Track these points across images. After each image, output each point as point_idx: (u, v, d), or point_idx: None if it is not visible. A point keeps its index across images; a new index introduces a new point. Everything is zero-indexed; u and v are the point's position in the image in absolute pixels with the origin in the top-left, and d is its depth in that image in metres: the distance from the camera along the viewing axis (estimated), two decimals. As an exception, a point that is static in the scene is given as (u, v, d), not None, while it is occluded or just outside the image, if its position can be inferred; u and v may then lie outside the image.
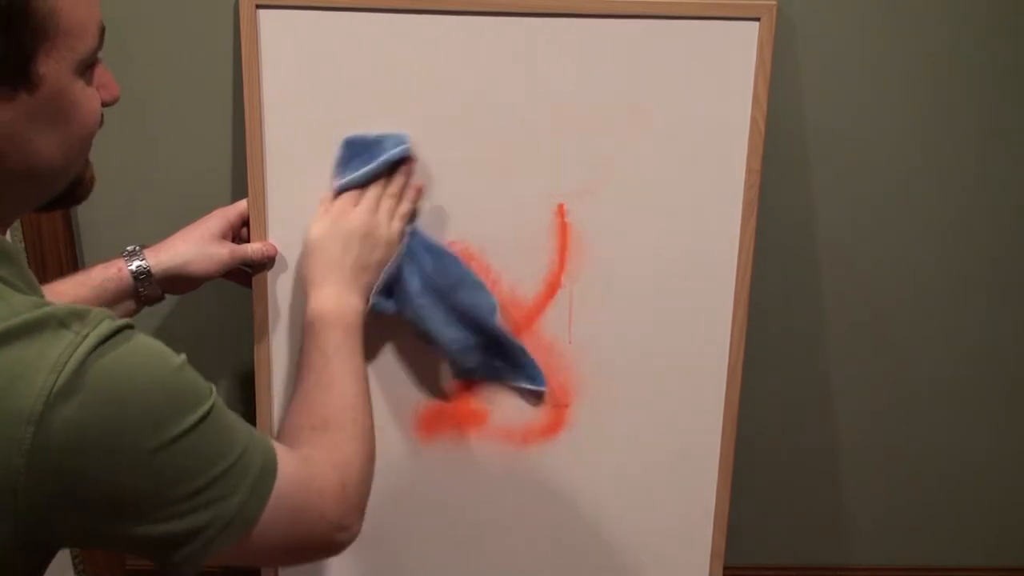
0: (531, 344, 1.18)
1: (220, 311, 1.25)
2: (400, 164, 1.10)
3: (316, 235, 1.06)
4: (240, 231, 1.13)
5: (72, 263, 1.24)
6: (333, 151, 1.11)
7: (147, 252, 1.05)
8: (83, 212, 1.22)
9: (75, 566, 1.39)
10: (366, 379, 0.98)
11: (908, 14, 1.16)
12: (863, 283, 1.28)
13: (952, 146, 1.22)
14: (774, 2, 1.08)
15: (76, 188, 0.78)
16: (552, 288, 1.16)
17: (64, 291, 1.00)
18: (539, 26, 1.09)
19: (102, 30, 0.73)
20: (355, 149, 1.10)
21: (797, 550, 1.43)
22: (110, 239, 1.23)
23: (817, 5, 1.15)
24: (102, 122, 0.76)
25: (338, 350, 0.97)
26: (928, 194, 1.24)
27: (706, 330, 1.18)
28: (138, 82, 1.17)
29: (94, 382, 0.67)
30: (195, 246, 1.06)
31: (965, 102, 1.20)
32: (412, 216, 1.12)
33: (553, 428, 1.21)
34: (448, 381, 1.19)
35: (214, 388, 0.76)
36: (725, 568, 1.26)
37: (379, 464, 1.20)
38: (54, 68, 0.68)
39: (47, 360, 0.66)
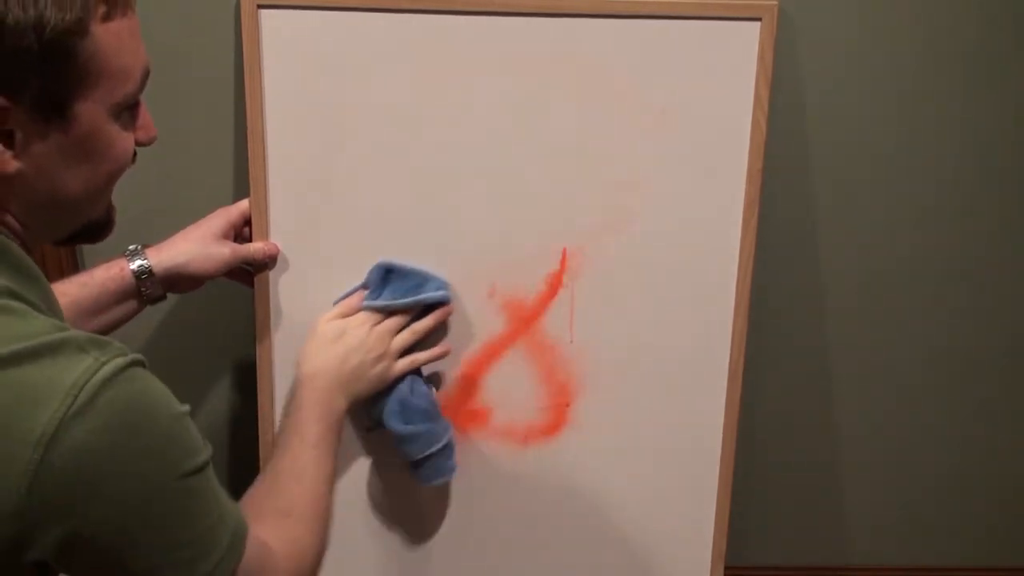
0: (532, 344, 1.18)
1: (220, 311, 1.25)
2: (433, 307, 1.13)
3: (327, 331, 1.07)
4: (242, 230, 1.13)
5: (72, 263, 1.23)
6: (334, 149, 1.12)
7: (149, 251, 1.05)
8: (84, 212, 1.23)
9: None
10: (333, 478, 0.99)
11: (909, 14, 1.16)
12: (864, 283, 1.28)
13: (954, 145, 1.22)
14: (775, 2, 1.09)
15: (98, 227, 0.80)
16: (554, 288, 1.16)
17: (67, 291, 1.00)
18: (539, 26, 1.09)
19: (146, 74, 0.74)
20: (394, 276, 1.12)
21: (797, 550, 1.43)
22: (110, 239, 1.23)
23: (818, 5, 1.15)
24: (135, 159, 0.78)
25: (317, 444, 0.98)
26: (930, 193, 1.24)
27: (707, 330, 1.18)
28: (139, 82, 1.17)
29: (107, 412, 0.67)
30: (197, 245, 1.06)
31: (967, 101, 1.20)
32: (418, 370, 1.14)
33: (554, 427, 1.21)
34: (450, 380, 1.19)
35: (210, 448, 0.76)
36: (726, 568, 1.26)
37: (379, 463, 1.21)
38: (90, 109, 0.70)
39: (63, 383, 0.66)
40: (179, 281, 1.07)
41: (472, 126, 1.12)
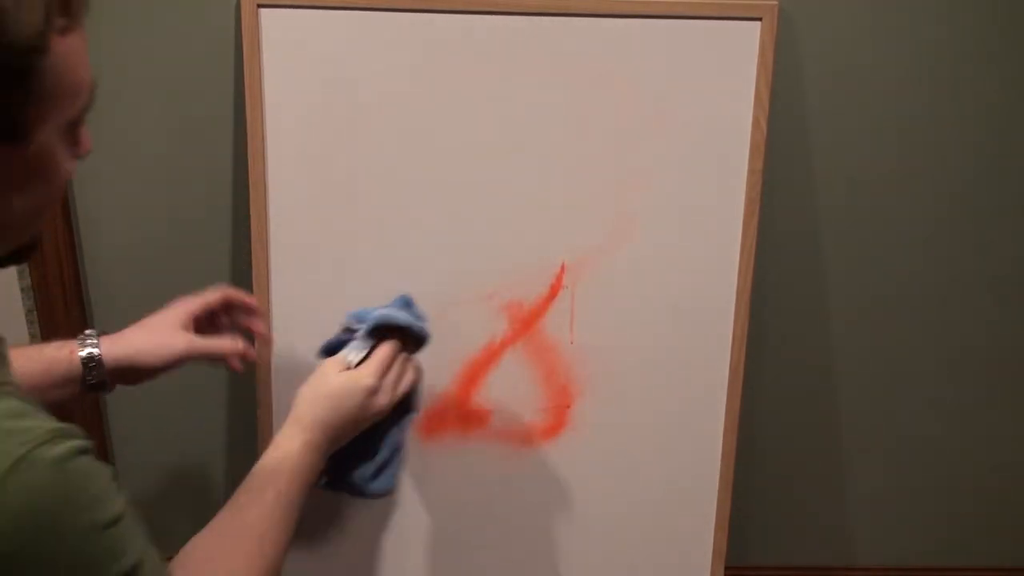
0: (532, 346, 1.18)
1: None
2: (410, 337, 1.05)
3: (338, 386, 1.00)
4: (203, 322, 1.06)
5: (72, 264, 1.23)
6: (335, 149, 1.12)
7: (103, 340, 1.00)
8: (83, 212, 1.22)
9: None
10: (291, 533, 0.92)
11: (909, 14, 1.16)
12: (865, 283, 1.28)
13: (955, 146, 1.22)
14: (775, 2, 1.09)
15: (28, 249, 0.75)
16: (554, 289, 1.16)
17: (13, 360, 0.91)
18: (540, 26, 1.09)
19: (93, 88, 0.71)
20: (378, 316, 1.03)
21: (797, 550, 1.43)
22: (110, 239, 1.23)
23: (819, 5, 1.15)
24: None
25: (290, 504, 0.92)
26: (930, 194, 1.24)
27: (708, 330, 1.18)
28: (140, 82, 1.16)
29: (16, 507, 0.63)
30: (149, 336, 1.02)
31: (967, 102, 1.20)
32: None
33: (555, 429, 1.21)
34: (451, 381, 1.19)
35: (136, 550, 0.71)
36: (726, 568, 1.26)
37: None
38: (44, 130, 0.67)
39: None
40: (129, 373, 1.01)
41: (471, 125, 1.12)
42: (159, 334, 1.02)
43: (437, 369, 1.17)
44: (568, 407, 1.20)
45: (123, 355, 1.00)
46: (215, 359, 1.05)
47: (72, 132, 0.71)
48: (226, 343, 1.05)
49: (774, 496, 1.39)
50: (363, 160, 1.12)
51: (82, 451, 0.68)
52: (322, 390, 1.00)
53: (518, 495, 1.23)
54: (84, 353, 0.99)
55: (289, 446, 0.95)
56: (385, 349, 1.02)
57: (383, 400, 1.01)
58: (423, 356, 1.06)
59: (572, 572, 1.26)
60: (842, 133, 1.21)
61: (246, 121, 1.10)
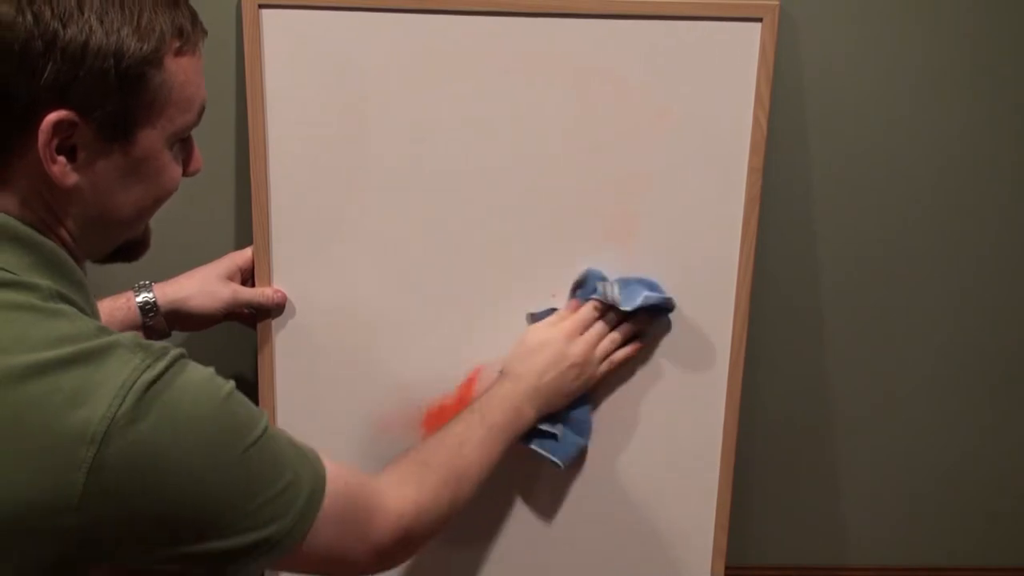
0: (533, 344, 1.18)
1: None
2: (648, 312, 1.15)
3: (531, 341, 1.12)
4: (248, 275, 1.16)
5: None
6: (336, 150, 1.12)
7: (155, 287, 1.09)
8: (85, 212, 1.22)
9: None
10: (489, 467, 1.04)
11: (910, 14, 1.17)
12: (864, 283, 1.28)
13: (955, 146, 1.22)
14: (776, 2, 1.09)
15: (136, 246, 0.85)
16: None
17: None
18: (540, 26, 1.09)
19: (203, 109, 0.80)
20: (604, 283, 1.14)
21: (797, 550, 1.43)
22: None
23: (819, 5, 1.16)
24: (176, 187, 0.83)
25: (491, 428, 1.03)
26: (930, 193, 1.24)
27: (707, 329, 1.18)
28: (140, 82, 1.17)
29: (157, 409, 0.70)
30: (200, 283, 1.10)
31: (968, 101, 1.21)
32: None
33: (555, 427, 1.21)
34: (453, 379, 1.19)
35: (265, 414, 0.79)
36: (726, 568, 1.26)
37: (381, 463, 1.21)
38: (151, 135, 0.76)
39: (113, 384, 0.70)
40: (182, 318, 1.10)
41: (472, 125, 1.12)
42: (207, 282, 1.11)
43: (440, 367, 1.18)
44: (569, 405, 1.20)
45: (175, 298, 1.09)
46: (256, 309, 1.14)
47: (183, 146, 0.81)
48: (267, 291, 1.14)
49: (774, 496, 1.39)
50: (365, 161, 1.13)
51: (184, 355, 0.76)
52: (522, 346, 1.12)
53: (517, 493, 1.23)
54: (140, 298, 1.08)
55: (497, 388, 1.08)
56: (584, 310, 1.13)
57: (584, 339, 1.11)
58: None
59: (571, 571, 1.26)
60: (842, 133, 1.21)
61: (247, 122, 1.10)
